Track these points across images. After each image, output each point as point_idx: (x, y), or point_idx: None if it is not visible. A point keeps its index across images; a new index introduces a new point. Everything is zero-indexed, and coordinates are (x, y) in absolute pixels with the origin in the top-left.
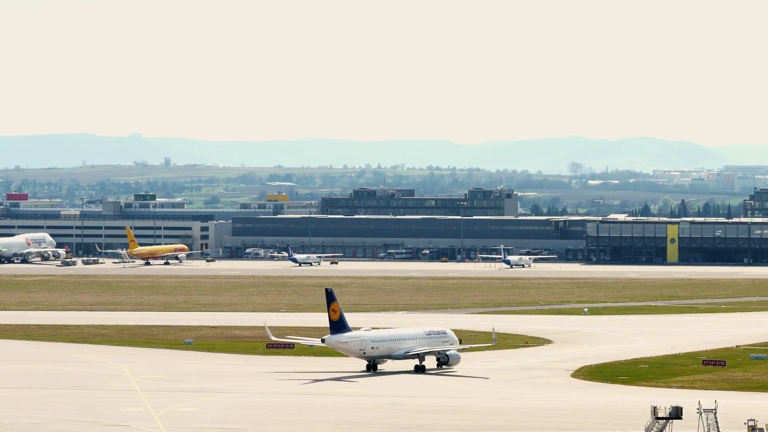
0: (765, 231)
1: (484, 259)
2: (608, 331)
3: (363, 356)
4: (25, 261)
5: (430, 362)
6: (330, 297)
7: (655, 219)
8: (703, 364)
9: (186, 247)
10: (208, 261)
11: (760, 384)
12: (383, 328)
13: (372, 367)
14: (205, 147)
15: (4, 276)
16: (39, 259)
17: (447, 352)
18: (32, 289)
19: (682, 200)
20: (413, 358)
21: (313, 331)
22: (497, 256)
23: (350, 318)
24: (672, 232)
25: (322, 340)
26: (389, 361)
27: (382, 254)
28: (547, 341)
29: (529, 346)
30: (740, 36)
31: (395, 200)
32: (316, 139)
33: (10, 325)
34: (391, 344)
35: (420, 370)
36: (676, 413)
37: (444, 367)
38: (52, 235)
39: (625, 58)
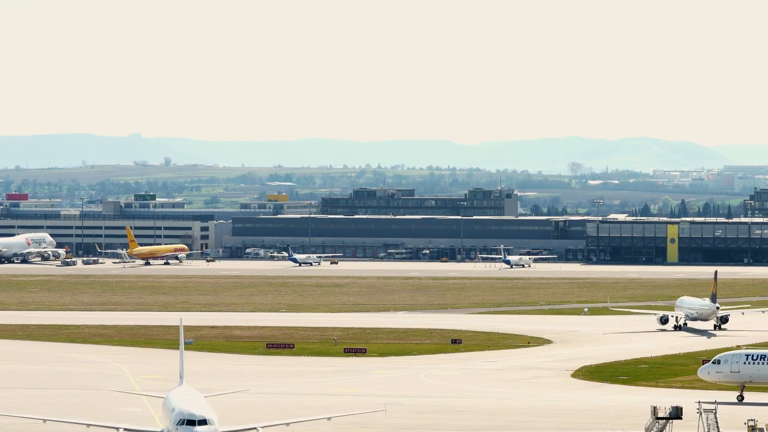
0: (765, 231)
1: (484, 259)
2: (608, 331)
3: (711, 318)
4: (25, 261)
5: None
6: (715, 276)
7: (655, 219)
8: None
9: (186, 247)
10: (208, 261)
11: None
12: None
13: (718, 327)
14: (205, 147)
15: (4, 276)
16: (39, 259)
17: (725, 316)
18: (32, 289)
19: (682, 200)
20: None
21: (313, 331)
22: (497, 256)
23: (349, 318)
24: (672, 232)
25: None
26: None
27: (382, 254)
28: (547, 341)
29: (529, 346)
30: (740, 36)
31: (395, 200)
32: (316, 139)
33: (10, 325)
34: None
35: (718, 327)
36: (676, 413)
37: (723, 325)
38: (52, 235)
39: (625, 58)
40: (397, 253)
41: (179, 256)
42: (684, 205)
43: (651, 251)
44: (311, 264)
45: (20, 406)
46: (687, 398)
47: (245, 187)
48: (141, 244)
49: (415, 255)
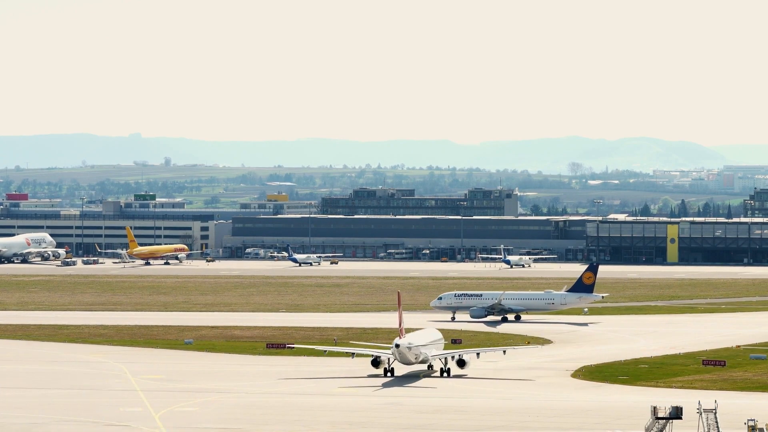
0: (765, 231)
1: (484, 259)
2: (608, 331)
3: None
4: (25, 261)
5: None
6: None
7: (655, 219)
8: (703, 364)
9: (186, 247)
10: (208, 261)
11: (760, 384)
12: None
13: None
14: (205, 147)
15: (4, 276)
16: (39, 259)
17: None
18: (32, 289)
19: (682, 200)
20: None
21: (313, 332)
22: (497, 256)
23: (349, 318)
24: (672, 232)
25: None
26: None
27: (382, 254)
28: (547, 341)
29: (529, 346)
30: (740, 36)
31: (395, 200)
32: (316, 139)
33: (10, 325)
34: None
35: None
36: (676, 413)
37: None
38: (52, 235)
39: (625, 58)
40: (397, 253)
41: (179, 256)
42: (684, 205)
43: (651, 251)
44: (311, 264)
45: (20, 405)
46: (687, 398)
47: (245, 187)
48: (141, 244)
49: (415, 255)
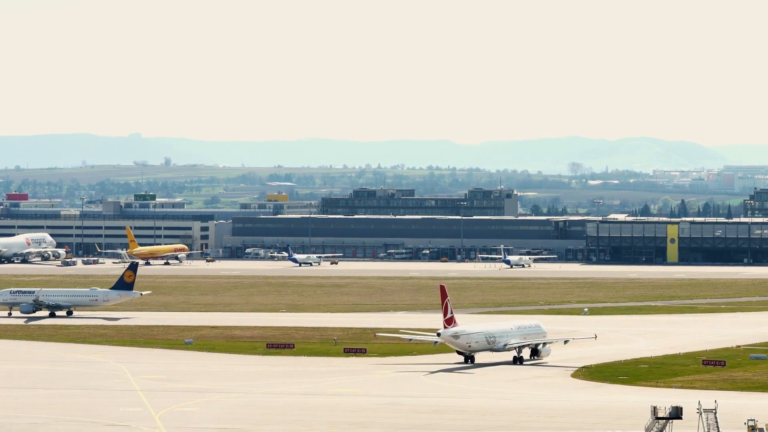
0: (765, 231)
1: (484, 259)
2: (608, 331)
3: None
4: (25, 261)
5: None
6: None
7: (655, 219)
8: (703, 364)
9: (186, 247)
10: (208, 261)
11: (760, 384)
12: None
13: None
14: (205, 147)
15: (4, 276)
16: (39, 259)
17: None
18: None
19: (682, 200)
20: None
21: (313, 332)
22: (497, 256)
23: (349, 318)
24: (672, 232)
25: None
26: None
27: (382, 254)
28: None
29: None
30: (740, 36)
31: (395, 200)
32: (316, 139)
33: (10, 325)
34: None
35: None
36: (676, 413)
37: None
38: (52, 235)
39: (625, 58)
40: (397, 253)
41: (179, 256)
42: (684, 205)
43: (651, 251)
44: (311, 264)
45: (20, 405)
46: (687, 398)
47: (245, 187)
48: (141, 244)
49: (415, 255)
